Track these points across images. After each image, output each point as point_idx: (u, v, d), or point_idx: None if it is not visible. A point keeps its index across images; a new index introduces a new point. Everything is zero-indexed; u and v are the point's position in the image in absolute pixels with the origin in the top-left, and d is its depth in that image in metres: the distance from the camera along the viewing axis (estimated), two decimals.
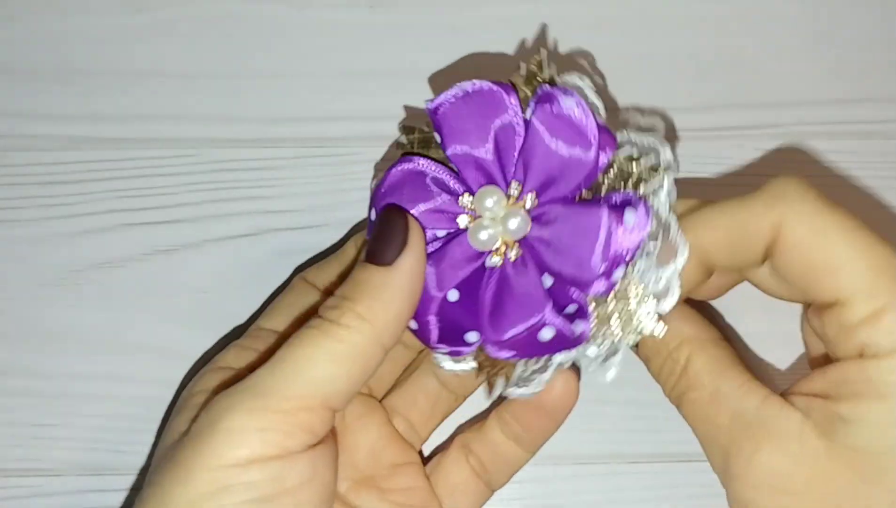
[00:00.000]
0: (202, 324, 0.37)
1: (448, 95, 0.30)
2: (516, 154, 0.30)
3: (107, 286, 0.37)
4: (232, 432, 0.26)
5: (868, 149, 0.38)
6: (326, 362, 0.27)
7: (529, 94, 0.30)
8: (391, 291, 0.28)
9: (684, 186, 0.37)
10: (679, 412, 0.30)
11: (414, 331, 0.30)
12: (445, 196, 0.30)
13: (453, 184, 0.30)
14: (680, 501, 0.36)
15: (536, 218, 0.29)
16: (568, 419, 0.34)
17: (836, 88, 0.39)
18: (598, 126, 0.29)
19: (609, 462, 0.37)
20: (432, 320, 0.30)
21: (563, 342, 0.29)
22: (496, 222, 0.29)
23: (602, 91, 0.30)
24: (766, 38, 0.39)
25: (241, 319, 0.37)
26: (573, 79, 0.30)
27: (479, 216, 0.30)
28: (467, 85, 0.30)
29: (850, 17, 0.39)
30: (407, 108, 0.38)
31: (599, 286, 0.29)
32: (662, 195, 0.29)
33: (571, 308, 0.29)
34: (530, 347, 0.29)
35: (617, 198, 0.29)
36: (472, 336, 0.30)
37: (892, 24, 0.39)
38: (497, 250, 0.30)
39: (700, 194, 0.37)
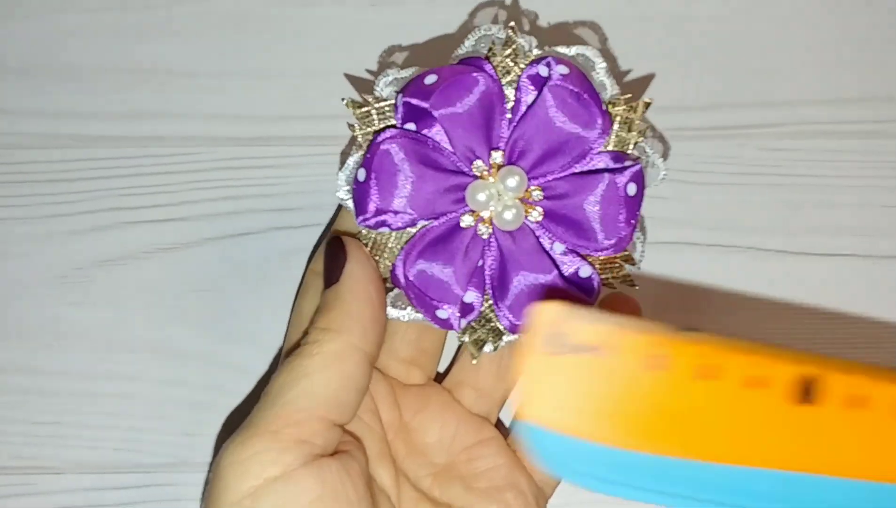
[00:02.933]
0: (204, 323, 0.37)
1: (419, 82, 0.30)
2: (506, 121, 0.30)
3: (108, 284, 0.37)
4: (233, 466, 0.27)
5: (871, 148, 0.38)
6: (302, 378, 0.28)
7: (509, 62, 0.30)
8: (343, 296, 0.29)
9: (686, 187, 0.38)
10: None
11: (441, 325, 0.30)
12: (446, 174, 0.30)
13: (448, 158, 0.30)
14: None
15: (545, 192, 0.30)
16: None
17: (839, 87, 0.39)
18: (602, 108, 0.30)
19: None
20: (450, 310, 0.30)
21: None
22: (494, 184, 0.30)
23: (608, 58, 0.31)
24: (768, 37, 0.39)
25: (244, 317, 0.37)
26: (585, 50, 0.31)
27: (476, 212, 0.30)
28: (437, 70, 0.30)
29: (854, 15, 0.39)
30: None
31: (613, 250, 0.30)
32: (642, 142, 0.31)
33: (585, 271, 0.30)
34: None
35: (610, 162, 0.30)
36: (469, 297, 0.30)
37: (894, 22, 0.39)
38: (485, 219, 0.30)
39: (702, 193, 0.38)
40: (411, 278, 0.30)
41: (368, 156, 0.30)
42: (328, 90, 0.38)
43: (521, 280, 0.30)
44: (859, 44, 0.39)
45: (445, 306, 0.30)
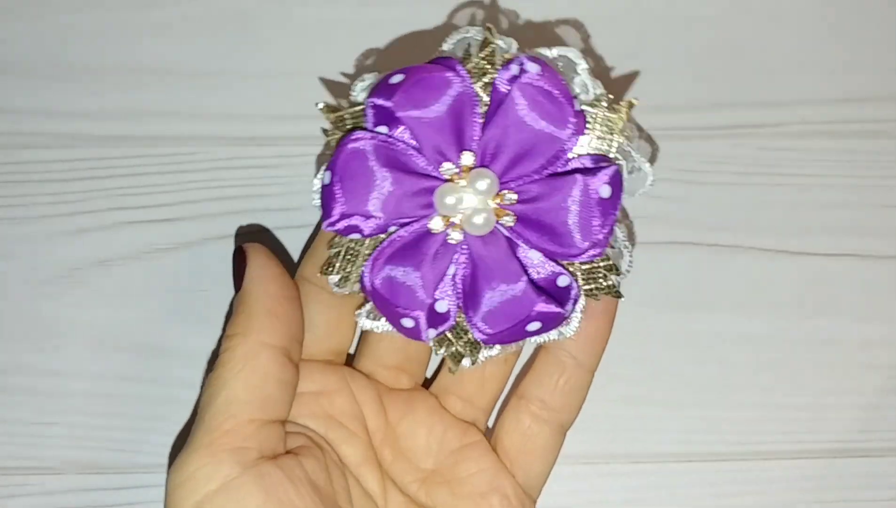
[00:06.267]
0: (202, 323, 0.36)
1: (385, 82, 0.29)
2: (478, 124, 0.29)
3: (107, 284, 0.37)
4: (176, 488, 0.28)
5: (870, 148, 0.38)
6: (221, 388, 0.29)
7: (485, 64, 0.29)
8: (244, 299, 0.30)
9: (685, 187, 0.38)
10: None
11: (407, 334, 0.30)
12: (414, 177, 0.29)
13: (416, 159, 0.29)
14: (680, 500, 0.36)
15: (518, 196, 0.29)
16: None
17: (838, 87, 0.39)
18: (574, 106, 0.29)
19: (609, 462, 0.37)
20: (419, 318, 0.29)
21: (551, 325, 0.29)
22: (464, 188, 0.29)
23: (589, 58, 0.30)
24: (767, 36, 0.39)
25: None
26: (566, 52, 0.30)
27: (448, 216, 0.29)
28: (405, 69, 0.29)
29: (853, 15, 0.39)
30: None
31: (590, 255, 0.29)
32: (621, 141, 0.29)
33: (563, 281, 0.29)
34: (518, 336, 0.29)
35: (588, 164, 0.29)
36: (441, 306, 0.30)
37: (895, 22, 0.39)
38: (455, 225, 0.29)
39: (701, 193, 0.38)
40: (377, 285, 0.29)
41: (334, 158, 0.29)
42: (325, 90, 0.38)
43: (492, 288, 0.29)
44: (860, 43, 0.39)
45: (411, 315, 0.29)
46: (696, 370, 0.37)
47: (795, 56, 0.39)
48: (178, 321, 0.37)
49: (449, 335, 0.30)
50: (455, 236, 0.29)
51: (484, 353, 0.30)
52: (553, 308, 0.29)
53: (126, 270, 0.37)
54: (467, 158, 0.29)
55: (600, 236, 0.29)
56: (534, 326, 0.29)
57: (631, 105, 0.29)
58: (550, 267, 0.29)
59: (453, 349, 0.30)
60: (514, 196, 0.29)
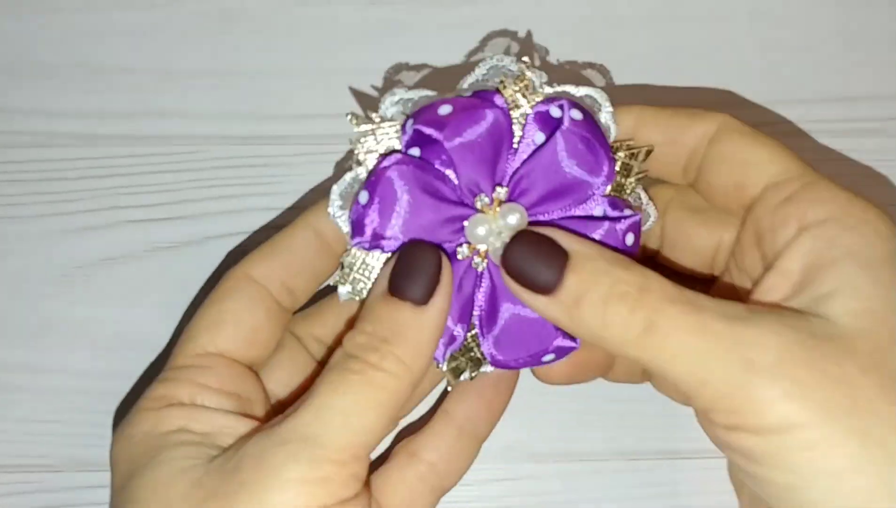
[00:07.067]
0: None
1: (433, 112, 0.29)
2: (511, 158, 0.30)
3: (108, 283, 0.37)
4: (294, 482, 0.26)
5: (869, 147, 0.38)
6: (371, 409, 0.27)
7: (519, 96, 0.30)
8: (427, 333, 0.28)
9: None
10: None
11: None
12: (449, 205, 0.29)
13: (451, 189, 0.29)
14: (679, 498, 0.36)
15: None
16: (562, 415, 0.34)
17: (839, 86, 0.39)
18: (609, 155, 0.30)
19: (608, 459, 0.36)
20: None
21: (561, 356, 0.30)
22: (494, 219, 0.29)
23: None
24: (767, 35, 0.39)
25: None
26: (593, 92, 0.30)
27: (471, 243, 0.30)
28: (450, 100, 0.29)
29: (854, 14, 0.39)
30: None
31: None
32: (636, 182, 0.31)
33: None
34: (531, 363, 0.30)
35: (610, 209, 0.30)
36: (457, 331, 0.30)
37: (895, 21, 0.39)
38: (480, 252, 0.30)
39: None
40: None
41: (373, 180, 0.29)
42: (328, 89, 0.38)
43: (510, 313, 0.30)
44: (861, 42, 0.39)
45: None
46: None
47: (795, 55, 0.39)
48: (179, 320, 0.37)
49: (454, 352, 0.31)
50: (480, 264, 0.30)
51: (483, 368, 0.31)
52: (570, 342, 0.30)
53: (127, 268, 0.37)
54: (500, 192, 0.29)
55: None
56: (549, 357, 0.30)
57: (648, 152, 0.30)
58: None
59: (456, 363, 0.31)
60: None
